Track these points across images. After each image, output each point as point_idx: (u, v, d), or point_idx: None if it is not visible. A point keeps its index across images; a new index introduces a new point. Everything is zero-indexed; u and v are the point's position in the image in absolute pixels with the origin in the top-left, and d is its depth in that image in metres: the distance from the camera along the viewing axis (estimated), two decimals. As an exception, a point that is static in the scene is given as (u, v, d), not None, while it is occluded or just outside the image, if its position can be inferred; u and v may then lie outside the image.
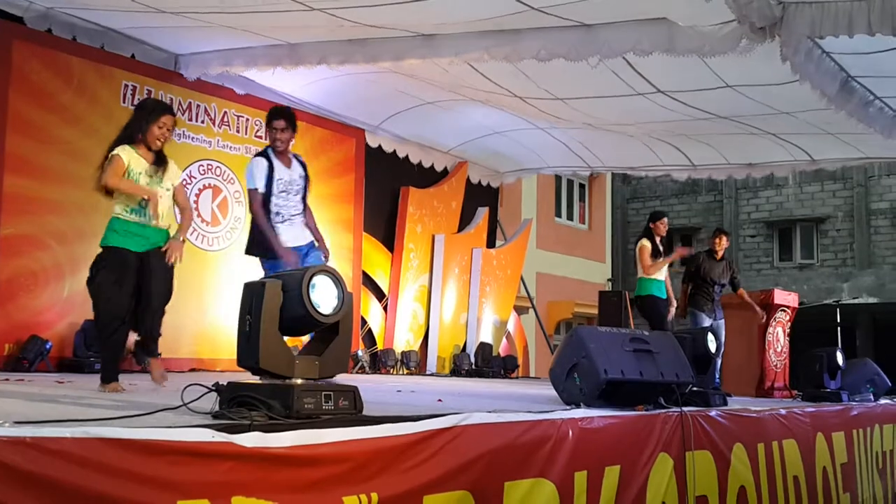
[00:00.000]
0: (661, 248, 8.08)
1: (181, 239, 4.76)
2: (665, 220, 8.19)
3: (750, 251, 21.75)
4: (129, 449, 2.06)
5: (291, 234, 5.59)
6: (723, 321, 8.34)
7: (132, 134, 4.71)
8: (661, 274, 8.07)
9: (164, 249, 4.68)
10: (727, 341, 8.22)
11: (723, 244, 8.39)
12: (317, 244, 5.76)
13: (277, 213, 5.58)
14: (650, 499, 3.94)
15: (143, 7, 6.64)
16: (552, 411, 3.68)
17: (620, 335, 4.53)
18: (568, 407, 4.01)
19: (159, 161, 4.75)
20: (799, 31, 5.50)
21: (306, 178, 5.74)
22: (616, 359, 4.27)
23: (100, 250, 4.68)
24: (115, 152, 4.63)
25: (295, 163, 5.71)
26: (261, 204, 5.52)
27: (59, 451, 1.95)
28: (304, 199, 5.72)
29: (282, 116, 5.63)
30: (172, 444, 2.15)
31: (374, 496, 2.61)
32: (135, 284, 4.61)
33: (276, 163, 5.58)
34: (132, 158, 4.65)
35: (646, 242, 8.00)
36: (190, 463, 2.17)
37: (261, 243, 5.55)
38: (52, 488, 1.92)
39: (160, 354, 4.86)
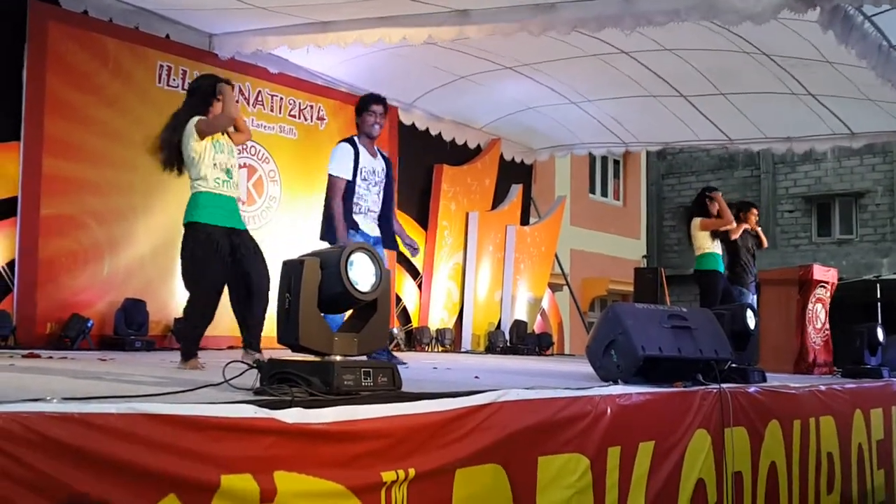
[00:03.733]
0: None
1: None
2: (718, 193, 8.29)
3: (788, 227, 21.46)
4: (173, 424, 2.09)
5: (368, 227, 5.61)
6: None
7: (196, 108, 4.70)
8: (719, 249, 8.17)
9: None
10: (765, 317, 8.15)
11: (755, 218, 8.69)
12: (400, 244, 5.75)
13: (356, 203, 5.56)
14: (686, 474, 3.94)
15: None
16: (590, 388, 3.68)
17: (658, 311, 4.50)
18: (605, 384, 4.00)
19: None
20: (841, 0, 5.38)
21: (388, 174, 5.69)
22: (654, 335, 4.24)
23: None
24: (195, 122, 4.61)
25: (379, 156, 5.70)
26: (342, 192, 5.47)
27: (105, 427, 1.99)
28: (383, 194, 5.65)
29: (381, 102, 5.65)
30: (216, 419, 2.18)
31: (412, 471, 2.63)
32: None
33: (363, 150, 5.57)
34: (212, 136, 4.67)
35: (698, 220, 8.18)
36: (233, 438, 2.20)
37: (330, 231, 5.52)
38: (99, 463, 1.95)
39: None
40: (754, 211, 8.52)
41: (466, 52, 8.42)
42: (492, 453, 2.98)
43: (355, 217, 5.58)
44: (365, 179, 5.57)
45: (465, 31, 6.93)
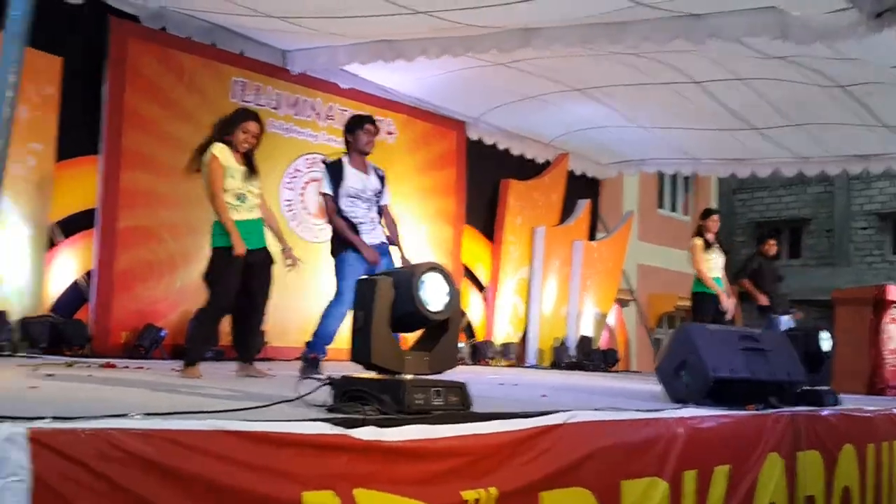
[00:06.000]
0: (712, 245, 8.21)
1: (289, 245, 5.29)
2: (716, 217, 8.39)
3: (861, 244, 20.84)
4: (254, 441, 2.12)
5: (366, 236, 5.58)
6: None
7: (219, 136, 5.01)
8: (717, 270, 8.19)
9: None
10: (838, 337, 7.95)
11: (772, 250, 9.04)
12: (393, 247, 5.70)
13: (346, 219, 5.58)
14: (759, 498, 3.85)
15: (251, 11, 6.85)
16: (661, 410, 3.62)
17: (730, 333, 4.42)
18: (676, 405, 3.93)
19: (250, 165, 5.07)
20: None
21: (380, 191, 5.68)
22: (726, 357, 4.16)
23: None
24: (214, 152, 4.91)
25: (373, 175, 5.69)
26: (332, 208, 5.55)
27: (187, 444, 2.02)
28: (378, 210, 5.67)
29: (372, 121, 5.73)
30: (294, 436, 2.21)
31: (493, 491, 2.62)
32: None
33: (349, 170, 5.61)
34: (228, 158, 4.96)
35: (697, 241, 8.16)
36: (311, 455, 2.23)
37: (341, 242, 5.56)
38: (183, 479, 1.98)
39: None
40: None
41: (534, 72, 8.42)
42: (574, 476, 2.96)
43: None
44: (354, 196, 5.57)
45: (530, 43, 6.92)
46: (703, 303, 8.07)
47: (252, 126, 5.07)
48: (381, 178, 5.74)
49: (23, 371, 4.45)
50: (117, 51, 7.15)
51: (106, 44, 7.11)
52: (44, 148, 6.66)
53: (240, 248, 4.87)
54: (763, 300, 8.80)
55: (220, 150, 4.94)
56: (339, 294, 5.43)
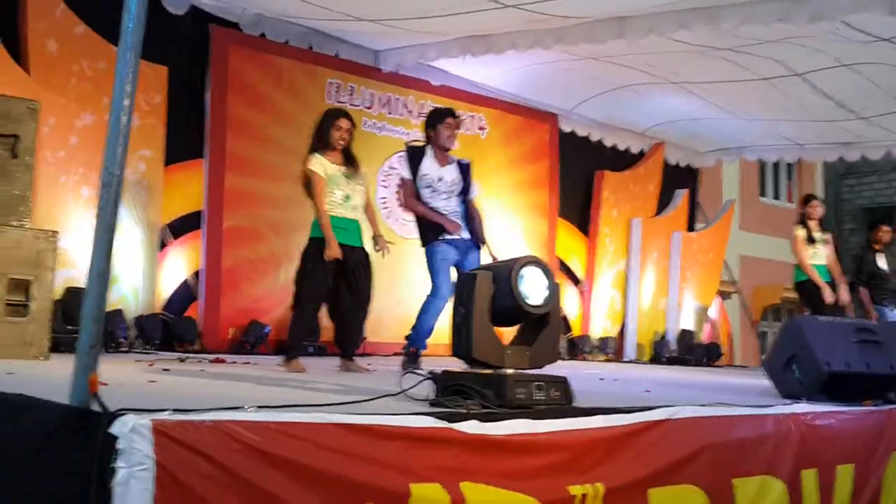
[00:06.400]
0: (814, 233, 7.91)
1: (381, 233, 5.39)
2: (816, 202, 8.09)
3: (984, 229, 19.73)
4: (363, 433, 2.17)
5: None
6: None
7: (318, 141, 5.19)
8: (820, 258, 7.88)
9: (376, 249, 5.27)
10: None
11: (885, 238, 8.58)
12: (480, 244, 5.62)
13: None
14: (884, 501, 3.68)
15: (344, 16, 6.98)
16: (771, 405, 3.52)
17: (844, 325, 4.26)
18: (788, 401, 3.81)
19: (349, 161, 5.23)
20: None
21: (464, 183, 5.61)
22: (839, 350, 4.01)
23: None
24: (311, 167, 5.10)
25: (454, 166, 5.63)
26: (409, 192, 5.55)
27: (300, 435, 2.08)
28: (461, 202, 5.60)
29: (453, 115, 5.67)
30: (401, 429, 2.25)
31: (600, 487, 2.61)
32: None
33: (429, 159, 5.57)
34: (326, 166, 5.13)
35: (799, 231, 7.86)
36: (419, 448, 2.26)
37: (427, 228, 5.53)
38: (296, 470, 2.04)
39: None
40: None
41: (628, 65, 8.29)
42: (682, 473, 2.91)
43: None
44: (429, 186, 5.52)
45: (624, 33, 6.80)
46: (812, 292, 7.77)
47: (343, 122, 5.23)
48: (465, 169, 5.66)
49: (140, 366, 4.66)
50: (219, 58, 7.39)
51: (208, 51, 7.35)
52: (153, 154, 6.95)
53: (335, 252, 4.99)
54: (874, 317, 8.37)
55: (316, 163, 5.11)
56: (434, 288, 5.44)
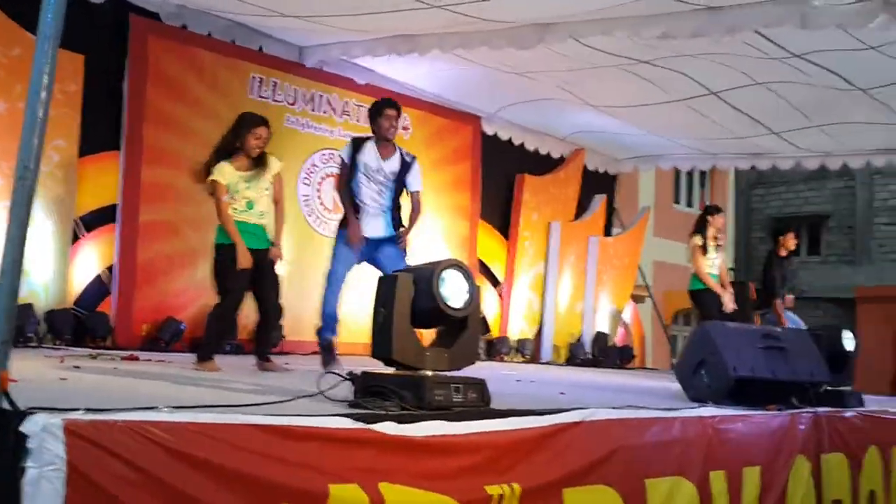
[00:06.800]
0: (710, 243, 8.12)
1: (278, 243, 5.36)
2: (721, 215, 8.33)
3: (884, 240, 20.65)
4: (280, 434, 2.18)
5: (366, 225, 5.60)
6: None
7: (230, 145, 5.19)
8: (715, 268, 8.14)
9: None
10: (861, 336, 7.93)
11: (791, 245, 9.01)
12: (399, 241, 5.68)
13: (354, 195, 5.62)
14: (789, 502, 3.84)
15: (268, 11, 6.91)
16: (680, 409, 3.64)
17: (751, 331, 4.42)
18: (695, 404, 3.94)
19: (257, 163, 5.23)
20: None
21: (400, 174, 5.66)
22: (746, 356, 4.17)
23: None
24: (214, 178, 5.11)
25: (395, 158, 5.68)
26: (344, 175, 5.65)
27: (215, 435, 2.07)
28: (391, 196, 5.66)
29: (392, 104, 5.71)
30: (319, 430, 2.26)
31: (517, 487, 2.66)
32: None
33: (371, 149, 5.63)
34: (229, 175, 5.14)
35: (698, 240, 8.07)
36: (337, 448, 2.27)
37: (343, 219, 5.69)
38: (212, 470, 2.03)
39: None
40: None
41: (548, 83, 8.55)
42: (596, 473, 2.98)
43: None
44: (365, 175, 5.61)
45: (545, 38, 6.93)
46: (707, 300, 8.02)
47: (262, 131, 5.24)
48: (407, 164, 5.71)
49: (50, 362, 4.53)
50: (138, 48, 7.21)
51: (127, 41, 7.17)
52: (67, 144, 6.73)
53: (244, 263, 5.03)
54: (783, 321, 8.74)
55: (219, 173, 5.12)
56: (328, 273, 5.62)
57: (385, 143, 5.67)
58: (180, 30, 7.46)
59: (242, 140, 5.18)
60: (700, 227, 8.13)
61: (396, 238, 5.55)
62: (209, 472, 2.03)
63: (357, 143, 5.72)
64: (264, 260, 5.23)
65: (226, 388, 3.56)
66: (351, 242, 5.51)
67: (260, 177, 5.23)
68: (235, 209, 5.15)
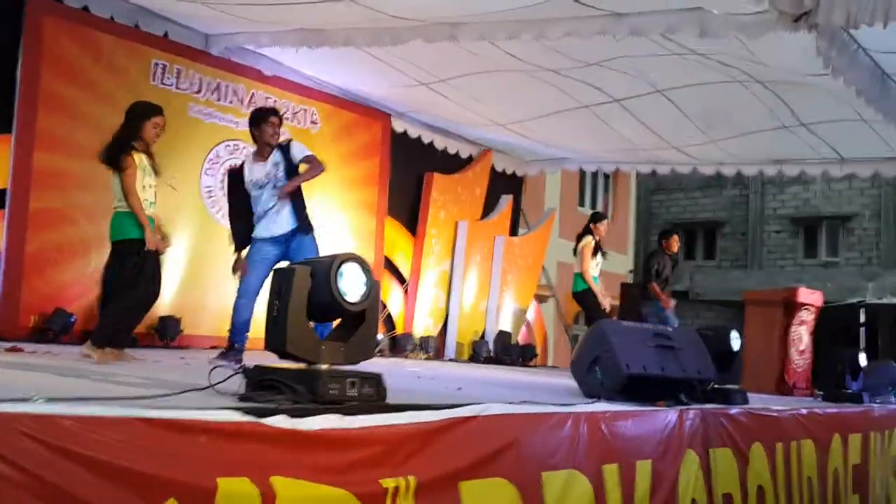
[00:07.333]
0: (601, 247, 8.67)
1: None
2: (606, 222, 8.85)
3: (774, 247, 21.60)
4: (163, 428, 2.10)
5: (267, 228, 5.71)
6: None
7: (130, 136, 5.11)
8: (597, 270, 8.63)
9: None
10: (749, 337, 8.23)
11: (674, 246, 9.41)
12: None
13: (255, 213, 5.74)
14: (682, 495, 3.96)
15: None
16: (573, 404, 3.70)
17: (643, 330, 4.53)
18: (589, 400, 4.02)
19: (151, 157, 5.22)
20: (834, 21, 5.40)
21: (285, 162, 5.71)
22: (638, 353, 4.27)
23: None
24: (132, 164, 5.05)
25: (274, 153, 5.75)
26: (231, 210, 5.87)
27: (94, 429, 1.98)
28: (288, 177, 5.71)
29: (275, 113, 5.88)
30: (206, 423, 2.20)
31: (412, 480, 2.65)
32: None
33: (249, 166, 5.78)
34: (141, 159, 5.11)
35: (590, 242, 8.53)
36: (225, 442, 2.22)
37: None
38: (93, 465, 1.95)
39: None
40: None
41: (457, 101, 8.82)
42: (492, 467, 3.01)
43: (257, 225, 5.74)
44: (259, 186, 5.72)
45: (456, 36, 6.98)
46: (590, 300, 8.41)
47: (160, 119, 5.20)
48: (285, 147, 5.76)
49: (-78, 354, 4.29)
50: (33, 29, 6.91)
51: (22, 21, 6.86)
52: (-47, 125, 6.41)
53: (159, 244, 5.03)
54: (668, 303, 9.09)
55: (137, 155, 5.06)
56: (241, 284, 5.69)
57: (265, 149, 5.76)
58: (80, 12, 7.20)
59: (140, 130, 5.11)
60: (585, 233, 8.59)
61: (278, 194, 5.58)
62: (90, 467, 1.94)
63: (234, 176, 5.82)
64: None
65: (113, 381, 3.43)
66: (233, 273, 5.70)
67: (154, 168, 5.20)
68: (144, 200, 5.09)
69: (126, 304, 5.04)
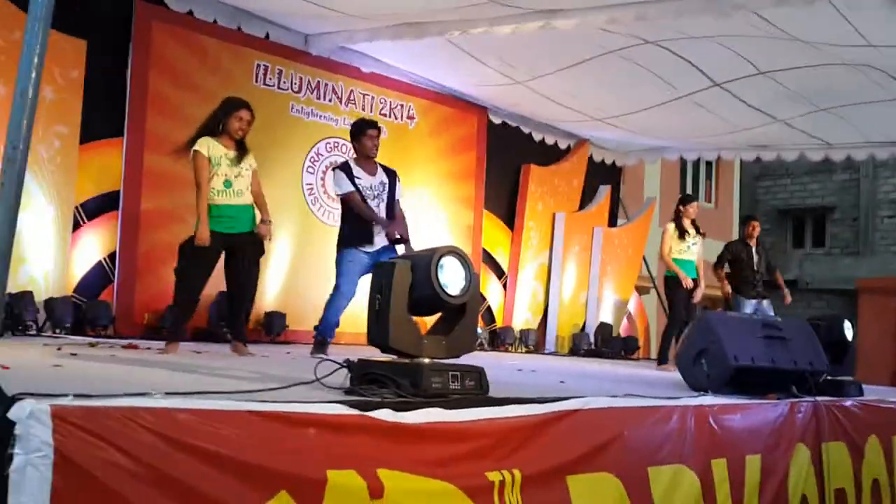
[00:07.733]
0: (688, 231, 8.25)
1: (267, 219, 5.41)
2: (696, 203, 8.43)
3: (887, 233, 20.61)
4: (275, 420, 2.16)
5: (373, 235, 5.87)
6: (769, 306, 8.72)
7: (214, 126, 5.29)
8: (690, 255, 8.24)
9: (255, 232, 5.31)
10: (862, 327, 7.89)
11: (755, 231, 8.94)
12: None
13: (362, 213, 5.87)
14: (792, 490, 3.84)
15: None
16: (680, 398, 3.62)
17: (751, 321, 4.40)
18: (695, 393, 3.93)
19: (240, 147, 5.33)
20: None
21: (391, 186, 5.97)
22: (746, 345, 4.14)
23: None
24: (197, 148, 5.20)
25: (380, 171, 5.99)
26: (359, 200, 5.82)
27: (209, 422, 2.04)
28: (385, 207, 5.92)
29: (376, 126, 6.06)
30: (315, 416, 2.24)
31: (518, 473, 2.65)
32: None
33: (357, 170, 5.92)
34: (212, 148, 5.22)
35: (671, 226, 8.24)
36: (333, 435, 2.25)
37: (348, 235, 5.88)
38: (207, 457, 2.01)
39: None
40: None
41: (551, 98, 8.79)
42: (597, 461, 2.98)
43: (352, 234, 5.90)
44: (364, 188, 5.88)
45: (553, 22, 6.91)
46: (676, 288, 8.09)
47: (245, 113, 5.34)
48: (392, 174, 6.02)
49: (48, 350, 4.52)
50: (142, 34, 7.19)
51: (130, 27, 7.14)
52: (69, 130, 6.71)
53: (202, 239, 5.10)
54: (726, 289, 8.84)
55: (202, 144, 5.20)
56: (336, 288, 5.84)
57: (367, 161, 5.96)
58: (185, 16, 7.43)
59: (225, 124, 5.28)
60: (675, 216, 8.32)
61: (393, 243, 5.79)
62: (204, 458, 2.01)
63: (346, 169, 5.93)
64: (240, 243, 5.28)
65: (222, 375, 3.54)
66: (389, 233, 5.74)
67: (241, 160, 5.32)
68: (213, 188, 5.21)
69: (174, 300, 5.32)
